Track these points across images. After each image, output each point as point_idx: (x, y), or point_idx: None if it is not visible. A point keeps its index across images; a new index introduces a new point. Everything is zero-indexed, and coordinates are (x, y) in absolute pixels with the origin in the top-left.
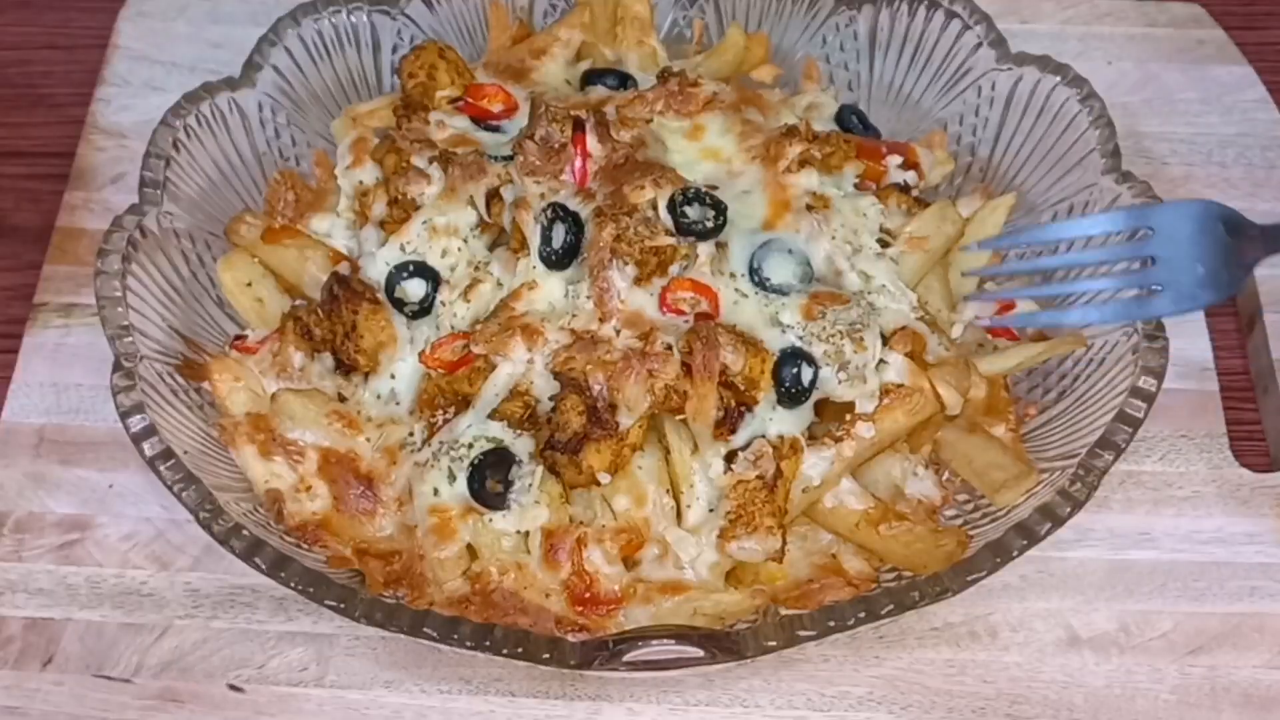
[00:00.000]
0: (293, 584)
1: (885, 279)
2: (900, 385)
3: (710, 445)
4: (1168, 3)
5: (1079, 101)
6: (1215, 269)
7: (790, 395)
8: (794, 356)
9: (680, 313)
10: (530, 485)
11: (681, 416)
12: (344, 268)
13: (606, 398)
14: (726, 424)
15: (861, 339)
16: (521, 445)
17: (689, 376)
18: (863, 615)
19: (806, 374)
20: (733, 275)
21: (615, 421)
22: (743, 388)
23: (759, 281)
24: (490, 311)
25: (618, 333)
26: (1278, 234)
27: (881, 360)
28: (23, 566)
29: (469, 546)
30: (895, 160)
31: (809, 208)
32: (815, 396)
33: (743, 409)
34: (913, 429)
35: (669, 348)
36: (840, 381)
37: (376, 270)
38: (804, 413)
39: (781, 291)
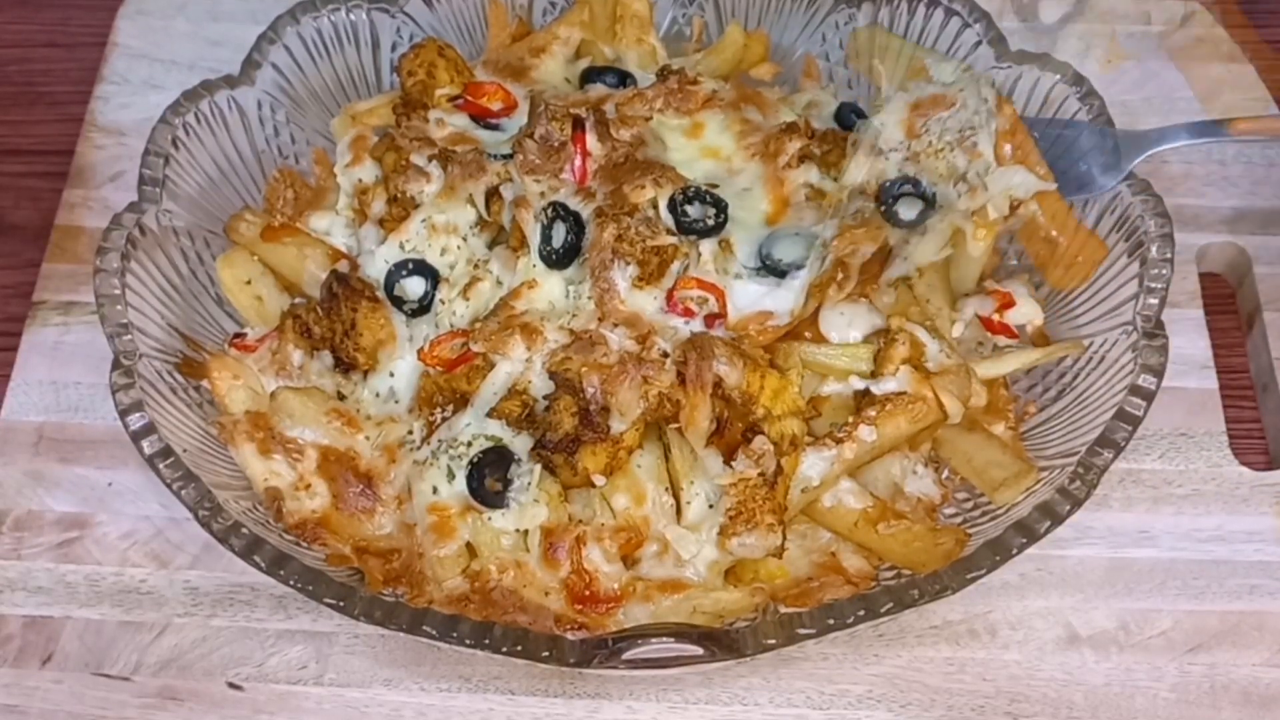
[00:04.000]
0: (292, 582)
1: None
2: (903, 393)
3: (704, 452)
4: (1167, 1)
5: (1078, 100)
6: (1096, 167)
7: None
8: (897, 184)
9: (690, 313)
10: (529, 484)
11: (675, 425)
12: (343, 266)
13: (600, 401)
14: (719, 435)
15: (975, 145)
16: (520, 444)
17: (683, 386)
18: (862, 613)
19: (911, 207)
20: (739, 276)
21: (606, 425)
22: (740, 402)
23: (770, 266)
24: (490, 310)
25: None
26: (1137, 140)
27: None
28: (22, 564)
29: (468, 545)
30: None
31: (807, 198)
32: (935, 217)
33: (750, 431)
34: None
35: (665, 355)
36: (960, 194)
37: (376, 268)
38: (935, 238)
39: (797, 267)
